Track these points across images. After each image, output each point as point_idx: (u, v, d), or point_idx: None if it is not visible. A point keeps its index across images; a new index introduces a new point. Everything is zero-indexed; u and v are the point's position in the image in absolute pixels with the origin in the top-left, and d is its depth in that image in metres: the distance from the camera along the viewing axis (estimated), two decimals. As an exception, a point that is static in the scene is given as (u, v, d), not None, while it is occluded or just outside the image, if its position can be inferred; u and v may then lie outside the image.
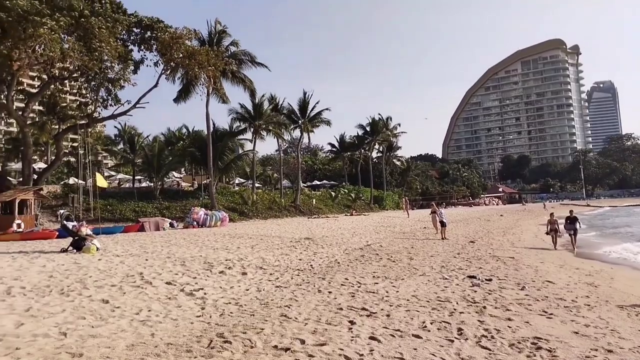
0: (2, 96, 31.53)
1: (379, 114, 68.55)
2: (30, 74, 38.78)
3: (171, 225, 26.68)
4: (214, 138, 39.97)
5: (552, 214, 20.45)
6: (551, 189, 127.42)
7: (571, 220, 19.10)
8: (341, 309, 7.55)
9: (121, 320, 6.41)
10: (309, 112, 50.34)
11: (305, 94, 50.43)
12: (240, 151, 49.89)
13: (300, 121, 50.48)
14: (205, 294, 8.43)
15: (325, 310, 7.42)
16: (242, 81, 40.41)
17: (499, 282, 10.18)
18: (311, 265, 12.39)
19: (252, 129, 45.30)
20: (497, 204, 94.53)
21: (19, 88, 36.34)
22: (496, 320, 7.02)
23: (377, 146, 68.91)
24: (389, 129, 67.24)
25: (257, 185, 52.03)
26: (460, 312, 7.43)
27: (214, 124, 42.07)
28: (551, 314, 7.50)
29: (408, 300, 8.33)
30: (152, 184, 40.77)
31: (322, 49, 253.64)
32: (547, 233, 20.01)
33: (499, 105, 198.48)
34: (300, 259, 13.31)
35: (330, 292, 8.85)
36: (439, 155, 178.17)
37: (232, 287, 9.23)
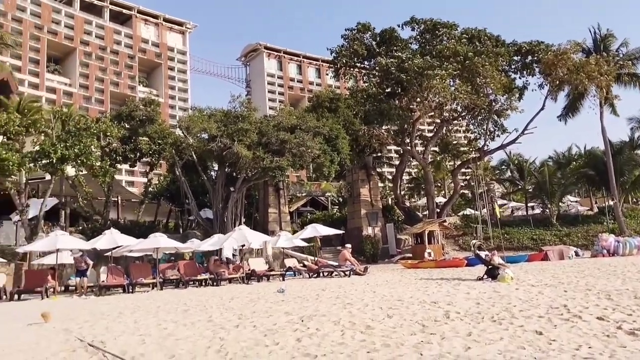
0: (406, 142, 37.23)
1: None
2: (426, 120, 44.60)
3: (576, 253, 24.81)
4: (612, 154, 35.28)
5: None
6: None
7: None
8: None
9: (562, 354, 6.16)
10: None
11: None
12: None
13: None
14: (652, 335, 7.21)
15: None
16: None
17: None
18: None
19: (664, 136, 37.73)
20: None
21: (417, 134, 42.22)
22: None
23: None
24: None
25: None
26: None
27: (609, 139, 37.29)
28: None
29: None
30: (546, 210, 39.19)
31: None
32: None
33: None
34: None
35: None
36: None
37: (686, 330, 7.58)
